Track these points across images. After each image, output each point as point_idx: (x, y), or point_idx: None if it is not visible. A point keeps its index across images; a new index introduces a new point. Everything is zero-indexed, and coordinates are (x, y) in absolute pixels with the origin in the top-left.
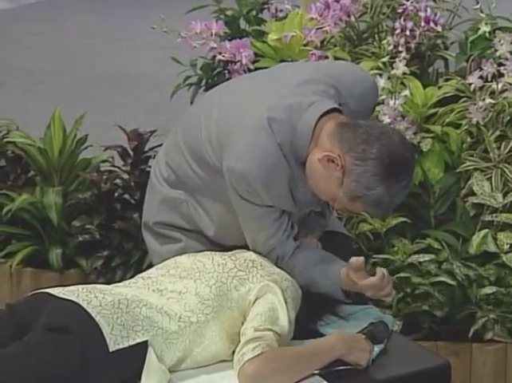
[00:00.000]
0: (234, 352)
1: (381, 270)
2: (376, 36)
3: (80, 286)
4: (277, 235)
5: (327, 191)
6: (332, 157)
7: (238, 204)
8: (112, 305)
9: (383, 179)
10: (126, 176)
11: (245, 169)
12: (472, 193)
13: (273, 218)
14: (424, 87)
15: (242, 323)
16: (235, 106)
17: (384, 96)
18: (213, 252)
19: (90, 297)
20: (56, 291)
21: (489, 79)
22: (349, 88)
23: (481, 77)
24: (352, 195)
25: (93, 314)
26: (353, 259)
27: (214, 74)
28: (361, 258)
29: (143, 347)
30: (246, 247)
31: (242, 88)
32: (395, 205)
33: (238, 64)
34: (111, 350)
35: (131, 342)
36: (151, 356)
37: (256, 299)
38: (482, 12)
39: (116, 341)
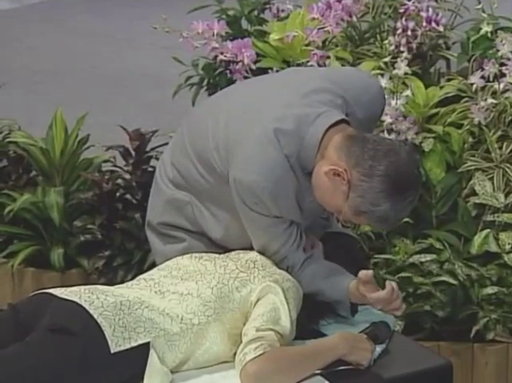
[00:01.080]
0: (235, 353)
1: (391, 284)
2: (377, 36)
3: (82, 287)
4: (288, 245)
5: (332, 203)
6: (338, 171)
7: (246, 215)
8: (114, 306)
9: (389, 195)
10: (128, 176)
11: (252, 182)
12: (474, 193)
13: (283, 228)
14: (426, 87)
15: (244, 324)
16: (242, 113)
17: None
18: (215, 255)
19: (92, 298)
20: (58, 292)
21: (491, 79)
22: (356, 96)
23: (483, 77)
24: (357, 209)
25: (95, 315)
26: (362, 273)
27: (215, 74)
28: (370, 272)
29: (144, 349)
30: (247, 249)
31: (250, 94)
32: (401, 220)
33: (240, 64)
34: (112, 352)
35: (133, 344)
36: (153, 357)
37: (258, 300)
38: (483, 12)
39: (117, 343)
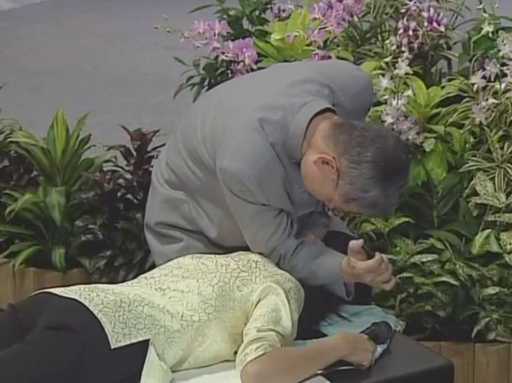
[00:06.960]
0: (236, 352)
1: (380, 254)
2: (378, 36)
3: (82, 286)
4: (278, 234)
5: (322, 192)
6: (326, 159)
7: (234, 203)
8: (114, 303)
9: (378, 181)
10: (129, 176)
11: (237, 170)
12: (475, 193)
13: (272, 215)
14: (427, 87)
15: (245, 324)
16: (230, 106)
17: (386, 97)
18: (216, 255)
19: (92, 295)
20: (57, 291)
21: (492, 79)
22: (343, 87)
23: (484, 77)
24: (347, 197)
25: (95, 312)
26: (353, 242)
27: (217, 74)
28: (360, 241)
29: (144, 346)
30: (248, 249)
31: (239, 88)
32: (391, 205)
33: (241, 64)
34: (112, 347)
35: (133, 340)
36: (151, 354)
37: (259, 300)
38: (485, 12)
39: (117, 339)
